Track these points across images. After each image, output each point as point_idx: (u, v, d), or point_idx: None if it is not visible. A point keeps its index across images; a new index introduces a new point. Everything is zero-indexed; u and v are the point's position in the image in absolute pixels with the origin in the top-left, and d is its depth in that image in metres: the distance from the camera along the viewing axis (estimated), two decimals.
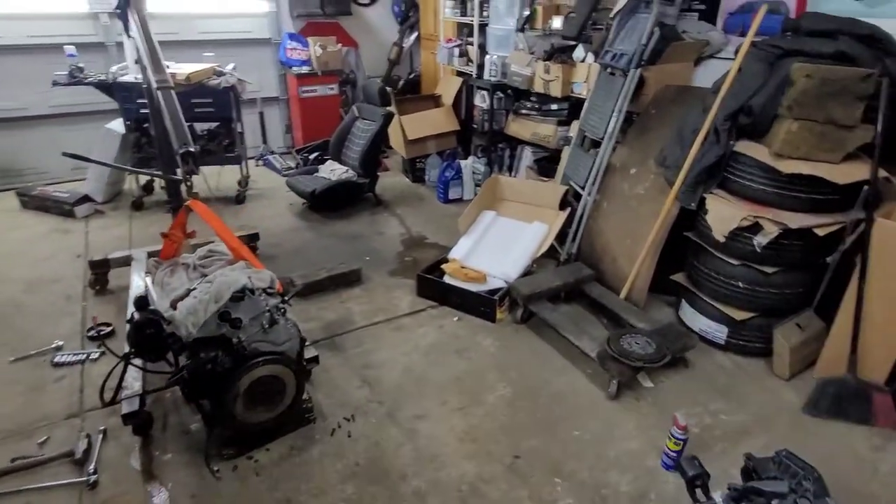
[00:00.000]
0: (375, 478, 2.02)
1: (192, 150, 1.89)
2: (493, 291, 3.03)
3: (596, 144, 3.33)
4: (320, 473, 2.03)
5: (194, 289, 1.93)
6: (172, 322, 1.83)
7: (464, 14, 4.91)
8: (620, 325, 2.85)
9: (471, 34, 4.90)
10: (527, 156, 4.53)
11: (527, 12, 4.18)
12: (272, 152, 5.52)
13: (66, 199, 4.20)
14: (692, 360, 2.67)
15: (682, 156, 2.71)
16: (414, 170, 5.09)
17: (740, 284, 2.59)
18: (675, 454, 2.02)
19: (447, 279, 3.16)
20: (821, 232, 2.34)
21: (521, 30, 4.26)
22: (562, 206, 3.46)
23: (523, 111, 4.39)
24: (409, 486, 1.99)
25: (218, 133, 4.49)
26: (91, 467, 2.02)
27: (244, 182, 4.64)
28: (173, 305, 1.90)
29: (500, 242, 3.40)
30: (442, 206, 4.63)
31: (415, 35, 6.02)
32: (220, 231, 2.11)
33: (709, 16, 3.35)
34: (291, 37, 5.35)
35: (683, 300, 2.93)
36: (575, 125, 3.77)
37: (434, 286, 3.15)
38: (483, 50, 4.72)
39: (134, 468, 2.05)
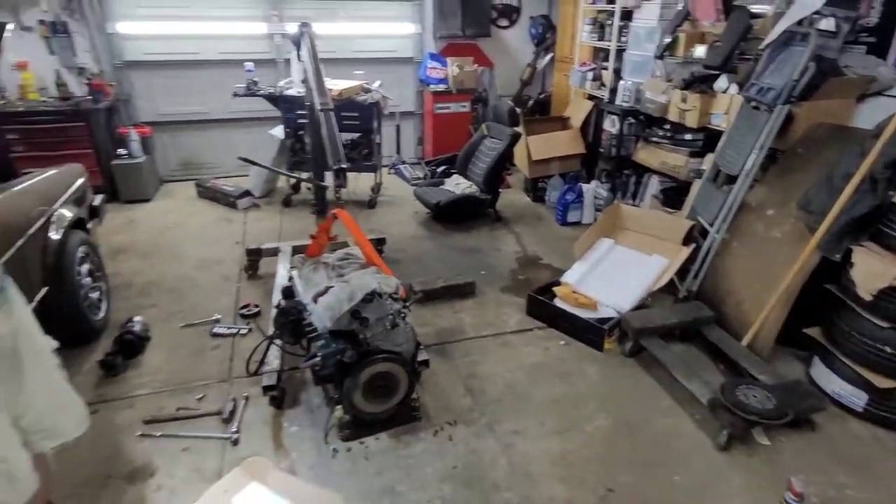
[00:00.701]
0: (470, 483, 2.15)
1: (344, 166, 2.17)
2: (603, 320, 3.02)
3: (731, 180, 3.17)
4: (421, 469, 2.20)
5: (332, 287, 2.21)
6: (313, 313, 2.12)
7: (601, 39, 4.91)
8: (739, 373, 2.70)
9: (606, 58, 4.89)
10: (653, 184, 4.40)
11: (668, 39, 4.09)
12: (403, 162, 5.93)
13: (232, 192, 4.89)
14: (820, 423, 2.45)
15: (829, 202, 2.52)
16: (535, 189, 5.17)
17: (888, 349, 2.33)
18: None
19: (557, 302, 3.21)
20: None
21: (661, 57, 4.17)
22: (686, 242, 3.34)
23: (654, 139, 4.29)
24: (502, 497, 2.09)
25: (359, 143, 4.93)
26: (234, 427, 2.38)
27: (377, 188, 5.06)
28: (314, 299, 2.19)
29: (616, 272, 3.37)
30: (559, 227, 4.66)
31: (549, 57, 6.12)
32: (358, 239, 2.38)
33: (879, 49, 3.05)
34: (432, 57, 5.72)
35: (816, 357, 2.70)
36: (709, 158, 3.62)
37: (544, 308, 3.21)
38: (618, 75, 4.69)
39: (267, 434, 2.38)
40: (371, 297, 2.09)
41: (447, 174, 5.07)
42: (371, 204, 4.95)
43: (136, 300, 3.38)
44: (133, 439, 2.32)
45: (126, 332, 2.86)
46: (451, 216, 4.57)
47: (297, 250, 3.51)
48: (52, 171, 3.03)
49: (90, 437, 1.72)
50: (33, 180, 2.83)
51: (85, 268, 2.93)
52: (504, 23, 6.08)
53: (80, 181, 3.18)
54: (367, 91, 4.74)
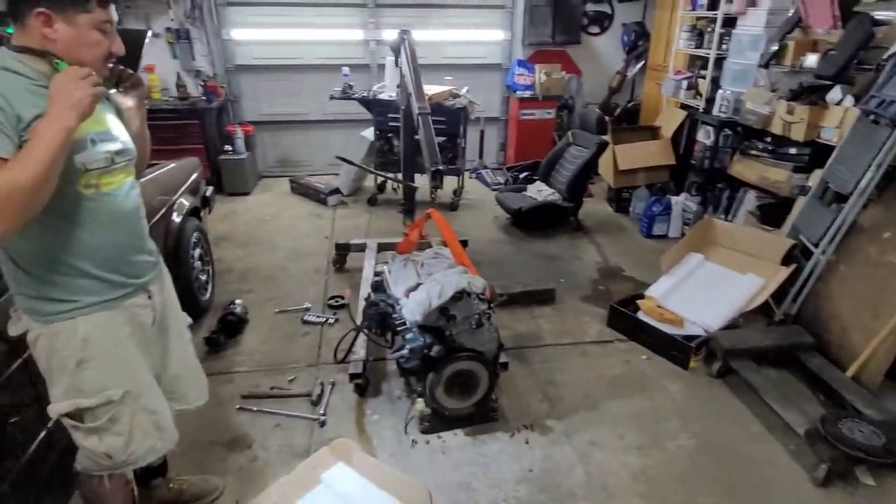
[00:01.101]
0: (546, 488, 2.15)
1: (440, 168, 2.26)
2: (690, 338, 2.92)
3: (840, 199, 2.96)
4: (497, 468, 2.24)
5: (422, 283, 2.30)
6: (404, 307, 2.22)
7: (699, 46, 4.74)
8: (841, 406, 2.52)
9: (704, 67, 4.71)
10: (749, 200, 4.18)
11: (775, 47, 3.88)
12: (485, 167, 5.99)
13: (322, 189, 5.16)
14: None
15: None
16: (619, 199, 5.06)
17: None
18: None
19: (641, 315, 3.13)
20: None
21: (765, 65, 3.96)
22: (785, 262, 3.15)
23: (753, 152, 4.08)
24: None
25: (444, 147, 5.02)
26: (322, 410, 2.52)
27: (459, 192, 5.16)
28: (406, 294, 2.29)
29: (705, 288, 3.23)
30: (643, 240, 4.53)
31: (640, 64, 5.97)
32: (449, 238, 2.46)
33: None
34: (520, 63, 5.74)
35: None
36: (816, 174, 3.39)
37: (626, 320, 3.15)
38: (715, 84, 4.51)
39: (351, 419, 2.51)
40: (460, 295, 2.15)
41: (529, 180, 5.07)
42: (453, 206, 5.05)
43: (237, 285, 3.66)
44: (232, 411, 2.53)
45: (228, 313, 3.11)
46: (531, 223, 4.57)
47: (382, 247, 3.66)
48: (173, 164, 3.34)
49: None
50: (158, 171, 3.14)
51: (197, 252, 3.22)
52: (595, 30, 6.00)
53: (196, 173, 3.50)
54: (456, 96, 4.85)
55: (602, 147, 4.47)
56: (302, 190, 5.34)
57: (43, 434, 1.76)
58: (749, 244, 3.37)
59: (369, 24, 5.54)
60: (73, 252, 1.38)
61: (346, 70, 4.99)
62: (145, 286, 1.56)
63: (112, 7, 1.35)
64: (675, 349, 2.90)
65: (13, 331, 1.47)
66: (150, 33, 3.36)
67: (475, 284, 2.21)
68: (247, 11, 5.34)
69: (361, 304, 2.83)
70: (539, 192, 4.70)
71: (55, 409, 1.47)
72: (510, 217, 4.69)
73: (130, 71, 1.55)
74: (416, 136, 2.92)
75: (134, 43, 2.88)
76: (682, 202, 4.56)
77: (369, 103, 4.88)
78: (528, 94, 5.68)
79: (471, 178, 5.86)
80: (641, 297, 3.28)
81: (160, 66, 5.11)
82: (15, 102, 1.21)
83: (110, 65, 1.42)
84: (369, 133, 5.11)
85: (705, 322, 3.01)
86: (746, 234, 3.48)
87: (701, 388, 2.74)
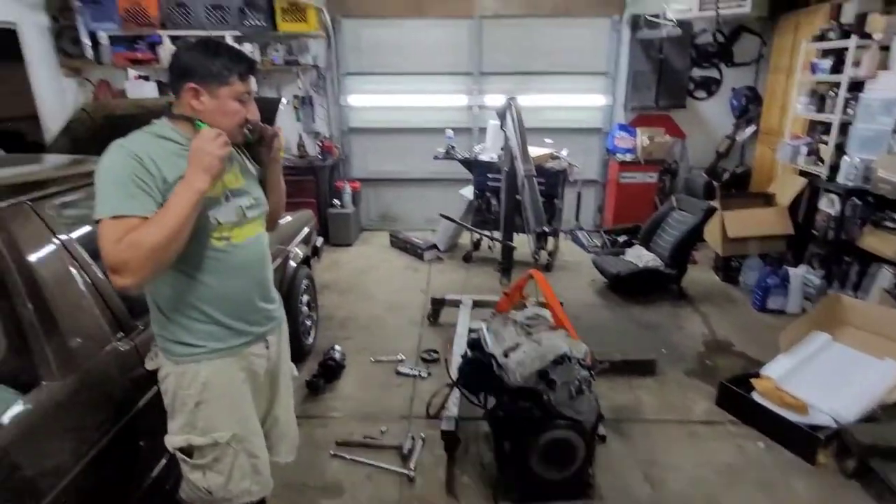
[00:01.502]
0: None
1: (546, 230, 2.28)
2: (816, 428, 2.60)
3: None
4: None
5: (521, 344, 2.27)
6: (503, 367, 2.20)
7: (820, 110, 4.47)
8: None
9: (826, 132, 4.42)
10: (884, 276, 3.75)
11: None
12: (581, 229, 5.92)
13: (420, 244, 5.34)
14: None
15: None
16: (727, 268, 4.75)
17: None
18: None
19: (756, 397, 2.85)
20: None
21: None
22: None
23: (888, 223, 3.70)
24: None
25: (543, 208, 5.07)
26: (412, 464, 2.51)
27: (554, 253, 5.11)
28: (505, 354, 2.27)
29: (833, 373, 2.90)
30: (756, 313, 4.19)
31: (751, 129, 5.71)
32: (551, 300, 2.44)
33: None
34: (621, 127, 5.73)
35: None
36: None
37: (740, 400, 2.88)
38: (840, 150, 4.20)
39: (440, 479, 2.46)
40: (561, 360, 2.10)
41: (629, 244, 4.93)
42: (548, 267, 4.99)
43: (336, 331, 3.82)
44: (326, 456, 2.58)
45: (329, 358, 3.25)
46: (630, 288, 4.40)
47: (477, 304, 3.68)
48: (290, 216, 3.65)
49: None
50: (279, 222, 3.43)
51: (305, 298, 3.43)
52: (702, 94, 5.87)
53: (309, 225, 3.79)
54: (555, 158, 4.91)
55: (709, 213, 4.27)
56: (400, 244, 5.56)
57: (164, 461, 1.90)
58: (886, 326, 3.00)
59: (473, 91, 5.84)
60: (204, 299, 1.50)
61: (449, 133, 5.26)
62: (264, 335, 1.67)
63: (251, 79, 1.50)
64: (800, 439, 2.59)
65: (149, 365, 1.63)
66: (284, 101, 3.79)
67: (577, 349, 2.15)
68: (363, 80, 5.85)
69: (457, 360, 2.84)
70: (639, 257, 4.54)
71: (170, 442, 1.59)
72: (607, 281, 4.56)
73: (268, 126, 1.67)
74: (518, 197, 2.98)
75: (269, 109, 3.25)
76: (801, 275, 4.18)
77: (470, 164, 5.07)
78: (629, 157, 5.62)
79: (566, 239, 5.79)
80: (756, 375, 2.99)
81: (285, 128, 5.69)
82: (163, 166, 1.38)
83: (247, 130, 1.54)
84: (468, 192, 5.27)
85: (836, 411, 2.67)
86: (883, 315, 3.11)
87: (832, 489, 2.41)
